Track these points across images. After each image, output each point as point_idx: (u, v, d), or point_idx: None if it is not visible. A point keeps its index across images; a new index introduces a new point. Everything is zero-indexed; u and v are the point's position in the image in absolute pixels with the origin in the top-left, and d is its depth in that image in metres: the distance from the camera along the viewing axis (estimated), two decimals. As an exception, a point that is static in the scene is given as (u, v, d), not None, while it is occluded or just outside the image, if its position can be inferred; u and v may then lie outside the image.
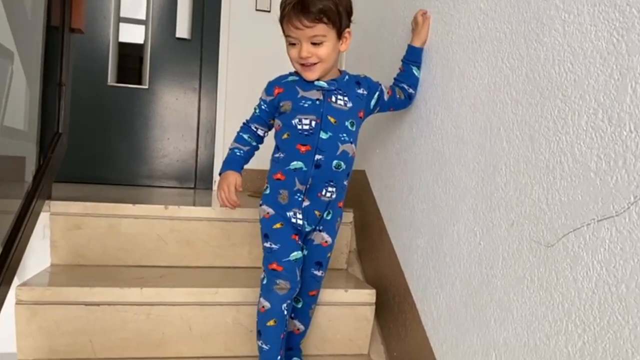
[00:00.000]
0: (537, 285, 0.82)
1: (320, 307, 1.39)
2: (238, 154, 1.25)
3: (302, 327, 1.31)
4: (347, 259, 1.75)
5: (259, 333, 1.21)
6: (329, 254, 1.28)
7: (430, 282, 1.19)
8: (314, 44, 1.12)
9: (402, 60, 1.31)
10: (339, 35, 1.15)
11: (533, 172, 0.85)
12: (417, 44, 1.28)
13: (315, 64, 1.14)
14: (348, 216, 1.75)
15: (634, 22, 0.66)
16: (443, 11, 1.21)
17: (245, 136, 1.26)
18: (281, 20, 1.15)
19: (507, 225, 0.91)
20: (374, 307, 1.47)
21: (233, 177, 1.21)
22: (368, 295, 1.47)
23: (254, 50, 2.81)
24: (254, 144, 1.27)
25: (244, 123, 1.28)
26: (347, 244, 1.75)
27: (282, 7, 1.13)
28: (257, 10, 2.85)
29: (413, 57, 1.28)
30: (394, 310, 1.39)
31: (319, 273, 1.28)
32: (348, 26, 1.17)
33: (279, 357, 1.20)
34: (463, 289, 1.05)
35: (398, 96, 1.29)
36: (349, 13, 1.17)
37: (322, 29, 1.11)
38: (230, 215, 1.62)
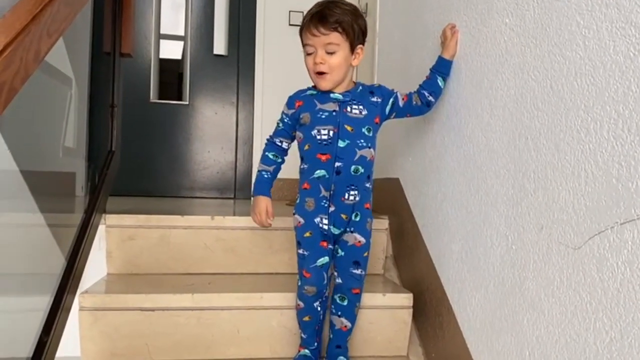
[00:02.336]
0: (566, 285, 0.87)
1: (360, 310, 1.46)
2: (265, 176, 1.35)
3: (348, 324, 1.38)
4: (383, 265, 1.80)
5: (299, 324, 1.38)
6: (365, 253, 1.36)
7: (465, 286, 1.24)
8: (328, 53, 1.23)
9: (430, 69, 1.37)
10: (352, 49, 1.26)
11: (560, 179, 0.90)
12: (446, 56, 1.34)
13: (326, 73, 1.24)
14: (383, 223, 1.81)
15: (649, 38, 0.71)
16: (471, 25, 1.27)
17: (270, 155, 1.36)
18: (301, 30, 1.27)
19: (537, 230, 0.96)
20: (411, 310, 1.52)
21: (264, 203, 1.34)
22: (405, 299, 1.53)
23: (288, 64, 2.90)
24: (279, 160, 1.37)
25: (267, 139, 1.38)
26: (384, 249, 1.81)
27: (303, 19, 1.26)
28: (290, 25, 2.95)
29: (440, 67, 1.34)
30: (431, 313, 1.44)
31: (358, 272, 1.35)
32: (362, 44, 1.28)
33: (315, 343, 1.39)
34: (497, 291, 1.10)
35: (415, 102, 1.36)
36: (364, 33, 1.28)
37: (336, 38, 1.23)
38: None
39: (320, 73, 1.25)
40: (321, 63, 1.24)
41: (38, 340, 1.09)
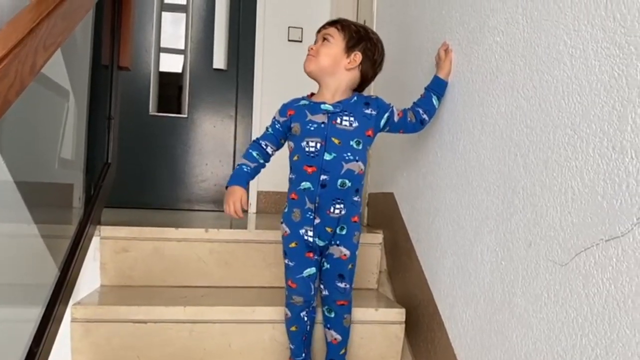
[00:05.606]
0: (554, 302, 0.87)
1: (352, 325, 1.45)
2: (245, 169, 1.32)
3: (338, 337, 1.37)
4: (377, 279, 1.80)
5: (287, 334, 1.40)
6: (349, 266, 1.35)
7: (457, 301, 1.24)
8: (324, 39, 1.32)
9: (425, 88, 1.38)
10: (347, 50, 1.31)
11: (548, 195, 0.91)
12: (440, 75, 1.34)
13: (312, 56, 1.32)
14: (378, 237, 1.82)
15: (632, 59, 0.72)
16: (463, 44, 1.29)
17: (254, 153, 1.34)
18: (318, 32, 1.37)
19: (526, 246, 0.97)
20: (404, 325, 1.52)
21: (239, 194, 1.28)
22: (398, 314, 1.52)
23: (287, 79, 2.92)
24: (261, 161, 1.35)
25: (254, 140, 1.38)
26: (377, 264, 1.81)
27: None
28: (289, 40, 2.98)
29: (435, 87, 1.35)
30: (423, 328, 1.44)
31: (342, 285, 1.35)
32: (361, 52, 1.32)
33: (303, 354, 1.39)
34: (487, 306, 1.10)
35: (409, 119, 1.36)
36: (370, 51, 1.33)
37: (332, 31, 1.32)
38: (265, 237, 1.71)
39: (308, 54, 1.32)
40: (312, 48, 1.32)
41: (28, 351, 1.09)
